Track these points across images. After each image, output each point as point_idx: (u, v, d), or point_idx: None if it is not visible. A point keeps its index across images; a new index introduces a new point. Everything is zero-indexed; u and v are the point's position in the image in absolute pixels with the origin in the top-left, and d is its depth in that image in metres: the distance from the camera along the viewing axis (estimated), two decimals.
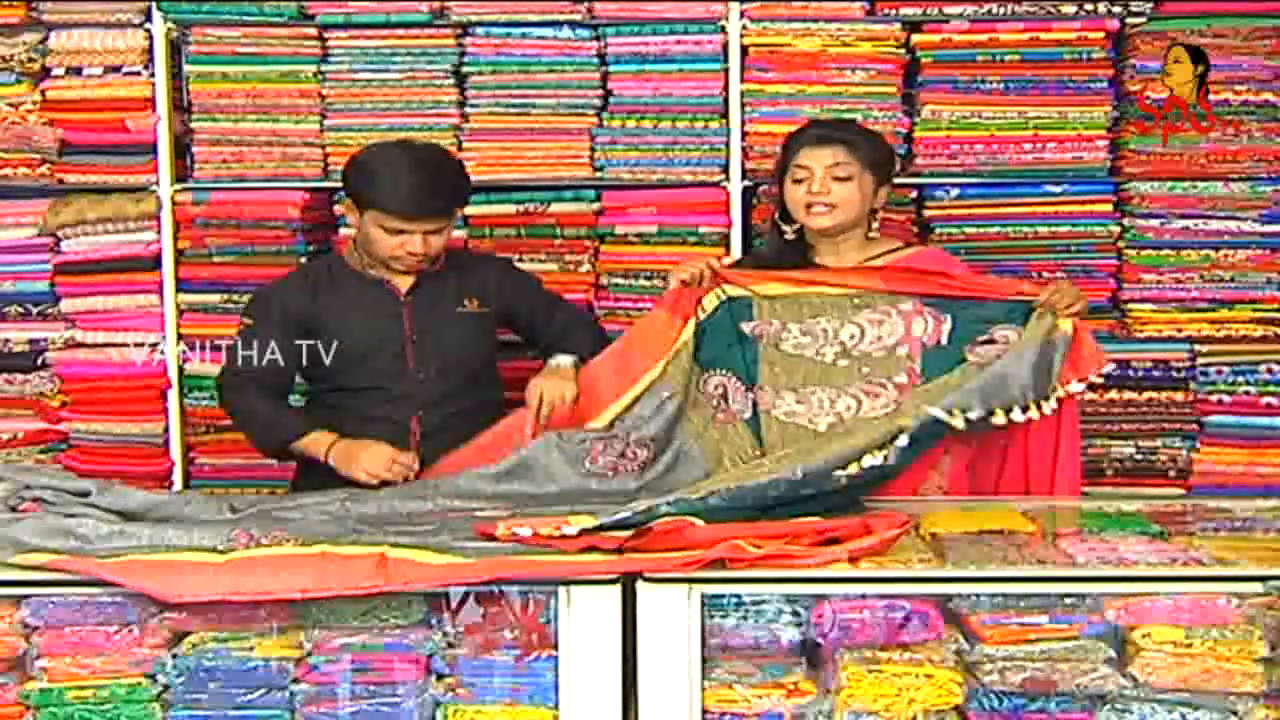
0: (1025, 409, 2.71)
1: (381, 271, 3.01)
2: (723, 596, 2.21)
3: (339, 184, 3.20)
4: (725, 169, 3.57)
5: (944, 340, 2.89)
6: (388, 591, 2.14)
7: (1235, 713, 2.16)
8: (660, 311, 3.02)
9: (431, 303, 3.01)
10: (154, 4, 3.55)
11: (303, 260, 3.54)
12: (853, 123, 3.17)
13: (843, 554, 2.22)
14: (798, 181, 2.96)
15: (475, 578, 2.18)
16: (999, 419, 2.70)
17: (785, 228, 3.04)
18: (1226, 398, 3.53)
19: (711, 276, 3.00)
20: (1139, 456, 3.58)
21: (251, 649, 2.22)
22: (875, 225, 3.04)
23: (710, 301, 2.99)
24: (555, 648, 2.19)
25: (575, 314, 3.28)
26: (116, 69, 3.57)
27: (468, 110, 3.60)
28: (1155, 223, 3.53)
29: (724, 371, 2.96)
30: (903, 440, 2.57)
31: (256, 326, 2.99)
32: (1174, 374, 3.54)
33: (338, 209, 3.59)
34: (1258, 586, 2.15)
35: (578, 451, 2.73)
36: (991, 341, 2.85)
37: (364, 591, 2.13)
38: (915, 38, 3.54)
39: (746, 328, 2.97)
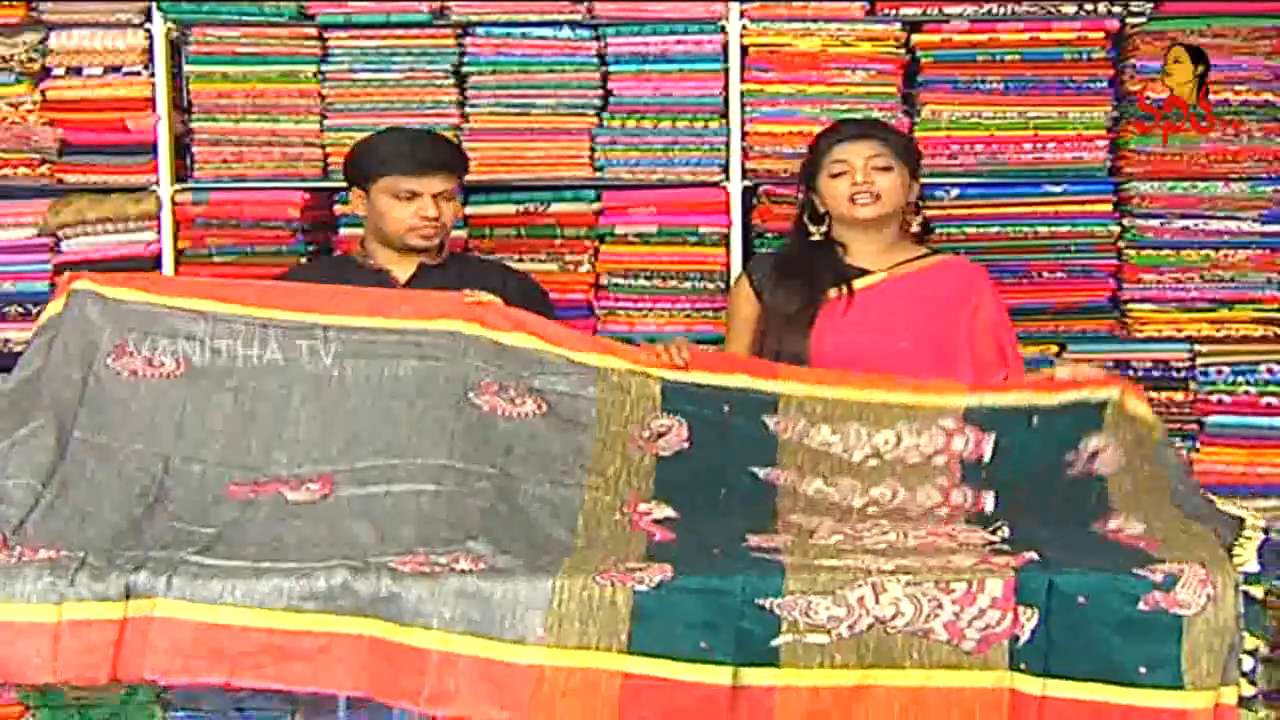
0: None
1: (383, 261, 3.02)
2: None
3: (339, 184, 3.19)
4: (725, 169, 3.57)
5: (986, 457, 2.59)
6: None
7: None
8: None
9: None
10: (154, 4, 3.54)
11: (303, 260, 3.54)
12: (879, 119, 3.18)
13: None
14: (835, 176, 2.94)
15: None
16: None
17: (813, 229, 3.00)
18: (1226, 398, 3.53)
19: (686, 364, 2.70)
20: None
21: None
22: (909, 219, 3.03)
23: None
24: None
25: None
26: (116, 69, 3.56)
27: (468, 110, 3.60)
28: (1155, 223, 3.52)
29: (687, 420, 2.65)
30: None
31: None
32: (1174, 374, 3.54)
33: (338, 209, 3.59)
34: None
35: (468, 380, 2.62)
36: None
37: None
38: (915, 38, 3.54)
39: (770, 421, 2.65)
